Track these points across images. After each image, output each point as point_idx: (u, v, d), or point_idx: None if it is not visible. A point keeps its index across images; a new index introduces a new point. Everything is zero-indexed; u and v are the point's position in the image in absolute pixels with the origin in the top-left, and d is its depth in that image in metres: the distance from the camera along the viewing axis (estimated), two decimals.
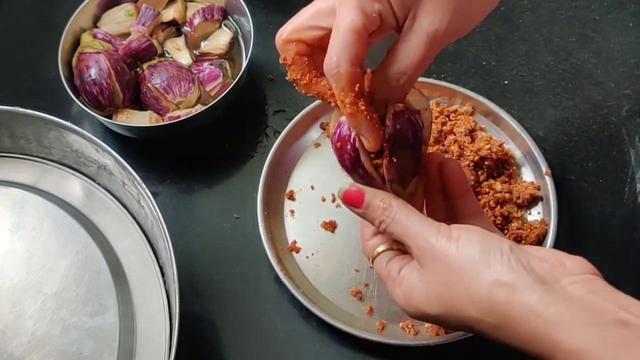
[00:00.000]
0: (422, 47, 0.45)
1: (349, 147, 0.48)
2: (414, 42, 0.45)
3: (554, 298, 0.41)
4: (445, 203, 0.54)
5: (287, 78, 0.49)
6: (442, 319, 0.46)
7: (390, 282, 0.49)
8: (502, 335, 0.43)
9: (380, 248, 0.51)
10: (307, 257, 0.67)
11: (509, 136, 0.70)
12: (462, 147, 0.68)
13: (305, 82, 0.48)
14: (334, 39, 0.45)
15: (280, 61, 0.49)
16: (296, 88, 0.49)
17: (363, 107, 0.45)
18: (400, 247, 0.50)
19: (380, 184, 0.49)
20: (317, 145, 0.72)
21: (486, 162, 0.68)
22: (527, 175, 0.69)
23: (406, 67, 0.46)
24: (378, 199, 0.48)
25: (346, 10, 0.45)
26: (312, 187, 0.70)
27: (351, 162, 0.48)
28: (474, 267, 0.43)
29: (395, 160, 0.47)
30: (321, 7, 0.47)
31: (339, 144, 0.48)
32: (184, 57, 0.75)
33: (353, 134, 0.47)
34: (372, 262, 0.52)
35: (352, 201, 0.49)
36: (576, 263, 0.44)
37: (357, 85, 0.45)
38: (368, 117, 0.46)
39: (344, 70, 0.44)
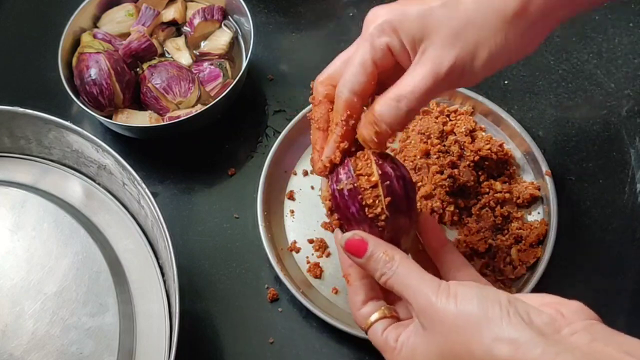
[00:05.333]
0: (424, 76, 0.47)
1: (359, 196, 0.48)
2: (418, 72, 0.47)
3: (557, 350, 0.39)
4: (429, 261, 0.53)
5: (307, 115, 0.54)
6: None
7: (389, 351, 0.47)
8: None
9: (374, 316, 0.49)
10: (307, 257, 0.67)
11: (509, 136, 0.70)
12: (462, 147, 0.68)
13: (318, 126, 0.52)
14: (345, 70, 0.50)
15: (310, 99, 0.53)
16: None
17: (340, 133, 0.50)
18: (393, 314, 0.49)
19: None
20: None
21: (486, 162, 0.68)
22: (527, 175, 0.69)
23: (406, 92, 0.47)
24: (381, 250, 0.47)
25: (358, 43, 0.50)
26: (312, 187, 0.70)
27: (358, 211, 0.48)
28: (474, 323, 0.42)
29: (389, 213, 0.48)
30: (351, 53, 0.51)
31: (346, 190, 0.48)
32: (184, 57, 0.75)
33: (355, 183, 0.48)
34: (366, 332, 0.50)
35: (354, 250, 0.48)
36: (574, 310, 0.43)
37: (348, 112, 0.49)
38: (338, 142, 0.50)
39: (343, 95, 0.49)
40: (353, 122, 0.50)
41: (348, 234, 0.48)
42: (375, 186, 0.47)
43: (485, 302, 0.42)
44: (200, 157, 0.74)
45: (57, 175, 0.64)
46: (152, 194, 0.56)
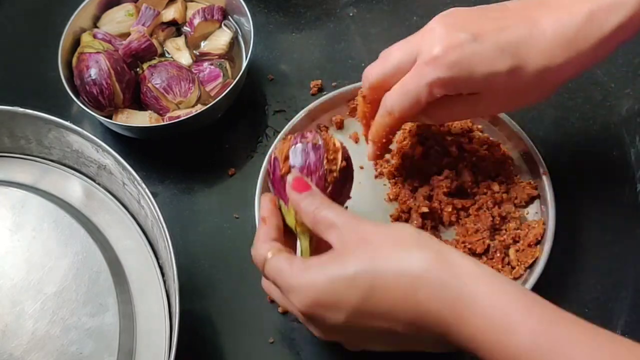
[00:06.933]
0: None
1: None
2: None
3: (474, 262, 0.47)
4: None
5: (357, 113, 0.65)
6: (358, 279, 0.46)
7: (294, 270, 0.49)
8: (419, 288, 0.45)
9: (272, 252, 0.52)
10: None
11: (507, 136, 0.70)
12: (459, 147, 0.68)
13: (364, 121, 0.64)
14: (402, 98, 0.57)
15: (360, 96, 0.62)
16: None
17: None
18: (290, 252, 0.52)
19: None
20: None
21: (484, 163, 0.68)
22: (525, 175, 0.69)
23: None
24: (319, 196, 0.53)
25: (419, 73, 0.55)
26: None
27: (315, 162, 0.55)
28: (402, 230, 0.49)
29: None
30: (402, 59, 0.57)
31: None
32: (184, 57, 0.75)
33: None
34: (264, 266, 0.52)
35: (300, 186, 0.53)
36: None
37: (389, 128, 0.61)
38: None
39: (394, 114, 0.59)
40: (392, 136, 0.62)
41: (293, 174, 0.54)
42: (336, 151, 0.55)
43: (411, 228, 0.49)
44: (200, 157, 0.74)
45: (57, 175, 0.64)
46: (152, 194, 0.56)
